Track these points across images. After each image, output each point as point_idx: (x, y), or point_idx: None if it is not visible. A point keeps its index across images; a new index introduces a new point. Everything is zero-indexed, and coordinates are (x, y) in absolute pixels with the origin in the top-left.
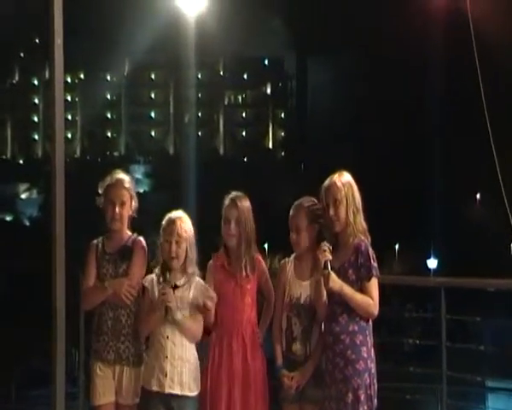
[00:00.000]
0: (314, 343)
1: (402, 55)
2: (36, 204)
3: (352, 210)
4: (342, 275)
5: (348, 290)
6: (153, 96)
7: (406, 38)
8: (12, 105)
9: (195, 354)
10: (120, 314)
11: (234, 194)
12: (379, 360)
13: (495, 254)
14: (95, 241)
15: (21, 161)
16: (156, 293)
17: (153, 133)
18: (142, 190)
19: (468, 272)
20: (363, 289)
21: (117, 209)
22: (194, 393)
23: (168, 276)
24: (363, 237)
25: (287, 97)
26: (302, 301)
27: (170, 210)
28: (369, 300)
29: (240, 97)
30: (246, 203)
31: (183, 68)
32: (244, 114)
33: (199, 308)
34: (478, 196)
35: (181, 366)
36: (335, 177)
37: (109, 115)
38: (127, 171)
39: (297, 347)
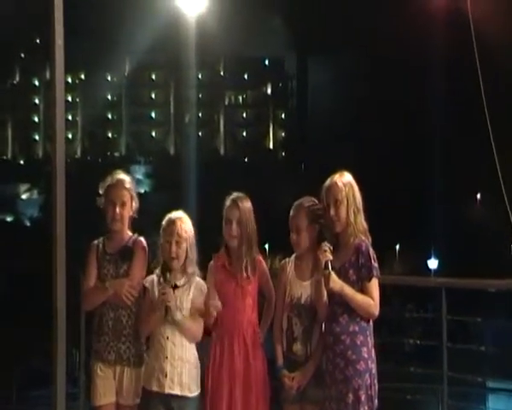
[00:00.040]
0: (315, 344)
1: (402, 55)
2: (36, 204)
3: (353, 210)
4: (343, 275)
5: (349, 291)
6: (153, 96)
7: (406, 38)
8: (13, 105)
9: (196, 354)
10: (121, 315)
11: (235, 195)
12: (379, 361)
13: (496, 254)
14: (95, 241)
15: (22, 162)
16: (157, 293)
17: (153, 134)
18: (142, 191)
19: (468, 272)
20: (363, 290)
21: (117, 210)
22: (195, 393)
23: (168, 276)
24: (363, 238)
25: (287, 98)
26: (303, 301)
27: (170, 210)
28: (370, 300)
29: (240, 98)
30: (247, 204)
31: (184, 68)
32: (244, 115)
33: (200, 311)
34: (478, 196)
35: (181, 367)
36: (336, 177)
37: (110, 116)
38: (128, 171)
39: (298, 347)
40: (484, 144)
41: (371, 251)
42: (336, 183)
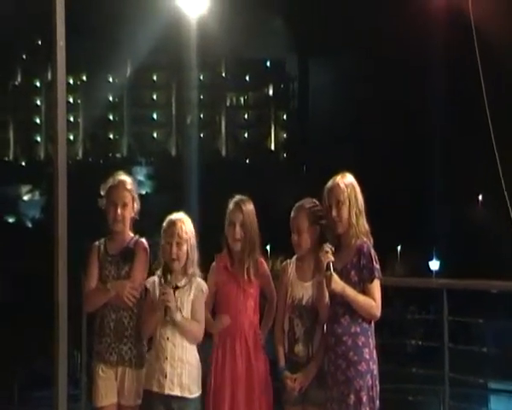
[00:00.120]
0: (316, 345)
1: (403, 56)
2: (38, 206)
3: (355, 212)
4: (344, 276)
5: (350, 292)
6: (155, 97)
7: (407, 39)
8: (14, 107)
9: (197, 355)
10: (122, 316)
11: (238, 197)
12: (381, 362)
13: (497, 255)
14: (96, 242)
15: (23, 163)
16: (158, 294)
17: (155, 135)
18: (144, 192)
19: (470, 273)
20: (365, 291)
21: (119, 211)
22: (195, 395)
23: (169, 277)
24: (365, 239)
25: (288, 99)
26: (304, 302)
27: (171, 212)
28: (372, 301)
29: (242, 99)
30: (250, 207)
31: (185, 70)
32: (246, 116)
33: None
34: (480, 197)
35: (181, 368)
36: (338, 178)
37: (111, 117)
38: (129, 172)
39: (299, 348)
40: (485, 145)
41: (373, 252)
42: (338, 184)
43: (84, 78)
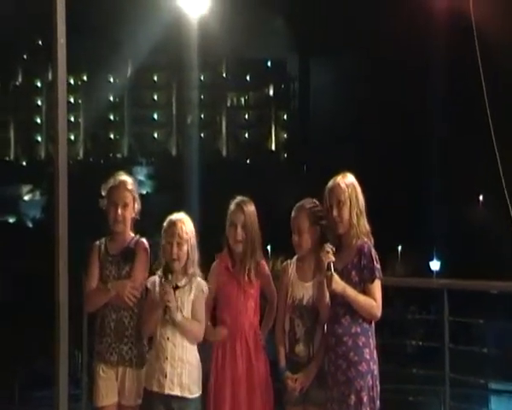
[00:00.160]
0: (317, 345)
1: (403, 57)
2: (39, 206)
3: (356, 212)
4: (345, 277)
5: (351, 292)
6: (155, 97)
7: (408, 40)
8: (15, 107)
9: (197, 355)
10: (123, 316)
11: (239, 199)
12: (382, 362)
13: (498, 255)
14: (97, 242)
15: (24, 163)
16: (158, 294)
17: (155, 135)
18: (144, 192)
19: (470, 273)
20: (366, 291)
21: (119, 211)
22: (195, 395)
23: (170, 277)
24: (366, 239)
25: (289, 99)
26: (305, 302)
27: (172, 212)
28: (372, 301)
29: (242, 99)
30: (251, 208)
31: (186, 70)
32: (247, 116)
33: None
34: (481, 197)
35: (181, 368)
36: (339, 178)
37: (112, 117)
38: (130, 172)
39: (300, 348)
40: (486, 146)
41: (374, 253)
42: (339, 184)
43: (85, 78)
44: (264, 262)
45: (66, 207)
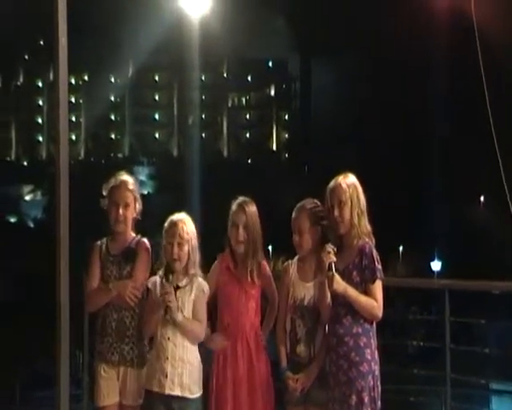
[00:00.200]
0: (318, 345)
1: (405, 57)
2: (40, 206)
3: (357, 212)
4: (346, 277)
5: (352, 292)
6: (157, 97)
7: (409, 40)
8: (16, 107)
9: (198, 356)
10: (124, 316)
11: (241, 199)
12: (383, 362)
13: (499, 256)
14: (98, 242)
15: (26, 163)
16: (159, 294)
17: (157, 135)
18: (145, 192)
19: (472, 274)
20: (367, 292)
21: (121, 211)
22: (196, 395)
23: (171, 277)
24: (367, 239)
25: (290, 99)
26: (306, 302)
27: (173, 212)
28: (373, 302)
29: (243, 99)
30: (253, 208)
31: (187, 70)
32: (248, 116)
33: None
34: (482, 197)
35: (181, 368)
36: (340, 178)
37: (113, 117)
38: (131, 172)
39: (301, 349)
40: (488, 146)
41: (375, 253)
42: (340, 184)
43: (86, 78)
44: (265, 263)
45: (67, 207)
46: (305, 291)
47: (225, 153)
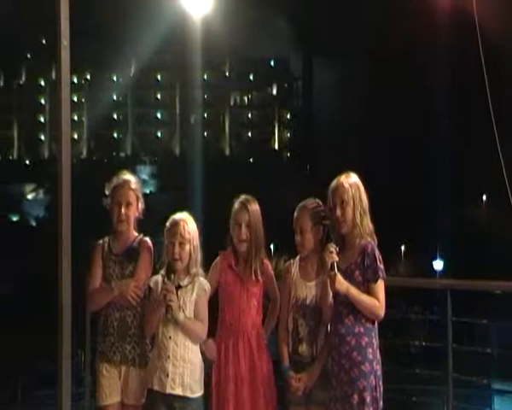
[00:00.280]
0: (320, 345)
1: (407, 57)
2: (42, 205)
3: (359, 211)
4: (348, 276)
5: (354, 292)
6: (159, 96)
7: (411, 39)
8: (19, 106)
9: (199, 355)
10: (126, 315)
11: (243, 197)
12: (385, 362)
13: (501, 255)
14: (100, 241)
15: (28, 162)
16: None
17: (159, 134)
18: (148, 191)
19: (474, 273)
20: (369, 291)
21: (123, 210)
22: (197, 394)
23: (172, 277)
24: (369, 239)
25: (292, 98)
26: (308, 302)
27: (175, 211)
28: (376, 301)
29: (246, 98)
30: (255, 207)
31: (189, 69)
32: (250, 115)
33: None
34: (484, 197)
35: (183, 367)
36: (342, 178)
37: (115, 116)
38: (133, 171)
39: (303, 348)
40: (490, 146)
41: (377, 252)
42: (342, 183)
43: (89, 77)
44: (267, 261)
45: (69, 206)
46: (307, 291)
47: (227, 152)
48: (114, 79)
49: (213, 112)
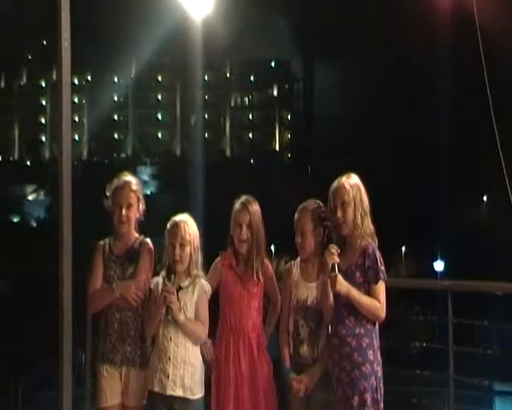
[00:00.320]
0: (321, 346)
1: (408, 58)
2: (43, 206)
3: (360, 213)
4: (349, 278)
5: (355, 293)
6: (160, 98)
7: (412, 41)
8: (19, 107)
9: (200, 356)
10: (127, 317)
11: (244, 198)
12: (385, 363)
13: (502, 256)
14: (101, 242)
15: (28, 163)
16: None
17: (159, 135)
18: (148, 192)
19: (475, 274)
20: (370, 292)
21: (124, 212)
22: (198, 396)
23: (173, 278)
24: (370, 240)
25: (293, 100)
26: (309, 303)
27: (176, 212)
28: (376, 303)
29: (246, 99)
30: (256, 207)
31: (190, 70)
32: (251, 116)
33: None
34: (485, 197)
35: (183, 369)
36: (343, 179)
37: (116, 117)
38: (134, 172)
39: (304, 349)
40: (491, 146)
41: (378, 254)
42: (343, 185)
43: (89, 78)
44: (267, 262)
45: (70, 207)
46: (308, 292)
47: (228, 153)
48: (115, 80)
49: (214, 113)
